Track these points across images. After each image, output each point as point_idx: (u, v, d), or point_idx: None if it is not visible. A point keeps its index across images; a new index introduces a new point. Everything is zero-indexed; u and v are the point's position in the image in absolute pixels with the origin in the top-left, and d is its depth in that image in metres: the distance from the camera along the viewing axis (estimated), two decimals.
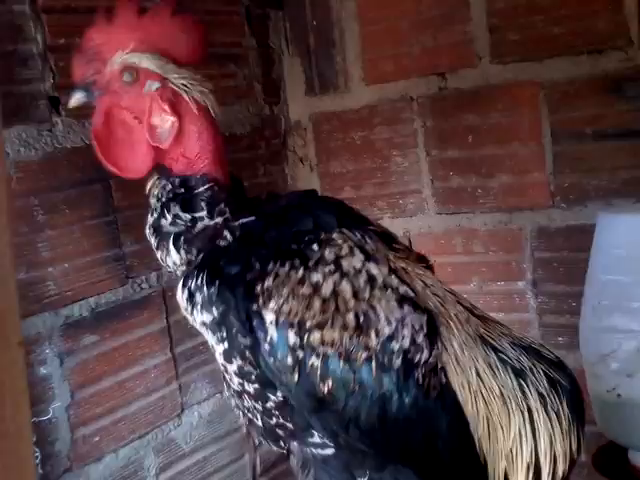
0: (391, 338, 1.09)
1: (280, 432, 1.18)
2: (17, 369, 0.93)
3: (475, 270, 1.92)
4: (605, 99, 1.70)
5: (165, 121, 1.15)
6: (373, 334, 1.08)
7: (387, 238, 1.26)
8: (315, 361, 1.07)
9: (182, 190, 1.16)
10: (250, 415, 1.21)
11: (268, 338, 1.07)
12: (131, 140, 1.17)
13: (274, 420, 1.16)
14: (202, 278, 1.12)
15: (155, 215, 1.18)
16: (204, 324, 1.14)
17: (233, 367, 1.13)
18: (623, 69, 1.67)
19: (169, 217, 1.15)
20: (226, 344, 1.12)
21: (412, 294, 1.14)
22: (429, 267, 1.31)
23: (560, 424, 1.20)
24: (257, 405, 1.16)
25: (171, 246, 1.16)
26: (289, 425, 1.16)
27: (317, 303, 1.08)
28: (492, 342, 1.22)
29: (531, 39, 1.76)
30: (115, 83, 1.15)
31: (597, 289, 1.52)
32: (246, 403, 1.19)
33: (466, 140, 1.88)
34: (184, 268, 1.16)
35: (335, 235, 1.15)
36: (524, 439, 1.17)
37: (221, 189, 1.17)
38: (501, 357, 1.21)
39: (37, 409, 1.40)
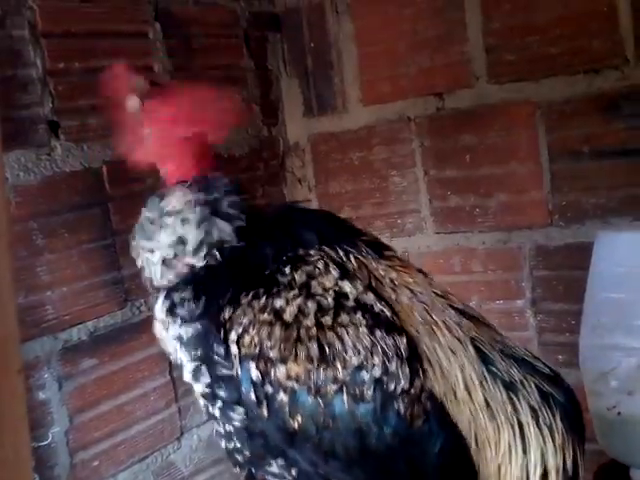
0: (360, 368, 1.04)
1: (238, 457, 1.15)
2: (17, 396, 0.93)
3: (474, 289, 1.92)
4: (602, 118, 1.70)
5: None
6: (340, 365, 1.04)
7: (378, 247, 1.24)
8: (283, 397, 1.04)
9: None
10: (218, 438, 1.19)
11: (234, 371, 1.07)
12: None
13: (232, 444, 1.14)
14: (188, 293, 1.12)
15: (143, 229, 1.22)
16: (179, 338, 1.13)
17: (199, 387, 1.12)
18: (619, 88, 1.68)
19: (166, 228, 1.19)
20: (197, 363, 1.11)
21: (388, 313, 1.09)
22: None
23: (553, 439, 1.16)
24: (219, 428, 1.15)
25: (158, 260, 1.18)
26: (246, 452, 1.13)
27: (278, 331, 1.05)
28: (482, 349, 1.17)
29: (527, 59, 1.77)
30: None
31: (596, 307, 1.52)
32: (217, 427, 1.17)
33: (464, 160, 1.89)
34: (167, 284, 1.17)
35: (313, 252, 1.13)
36: (514, 454, 1.14)
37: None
38: (491, 369, 1.16)
39: (36, 434, 1.40)
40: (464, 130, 1.88)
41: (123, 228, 1.58)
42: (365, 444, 1.05)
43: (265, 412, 1.05)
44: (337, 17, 2.02)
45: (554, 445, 1.15)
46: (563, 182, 1.77)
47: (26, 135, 1.43)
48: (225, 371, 1.08)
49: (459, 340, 1.15)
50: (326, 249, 1.15)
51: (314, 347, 1.04)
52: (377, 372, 1.04)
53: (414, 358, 1.08)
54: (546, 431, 1.15)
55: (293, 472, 1.11)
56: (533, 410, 1.15)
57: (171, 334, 1.14)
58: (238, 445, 1.13)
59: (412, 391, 1.06)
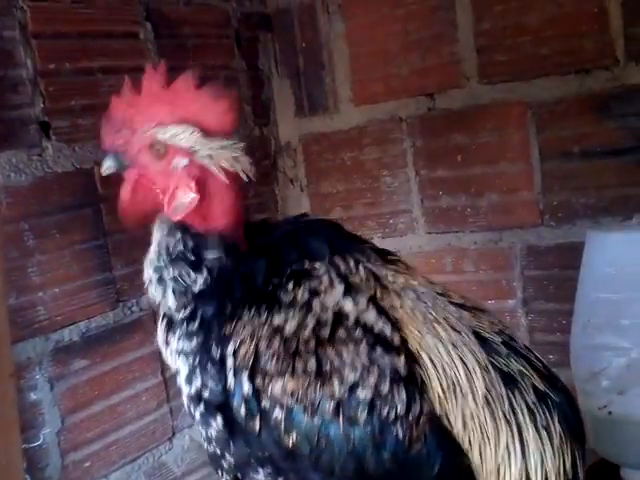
0: (356, 386, 1.03)
1: (223, 463, 1.14)
2: (8, 401, 0.92)
3: (466, 289, 1.92)
4: (592, 118, 1.71)
5: (186, 197, 1.12)
6: (336, 381, 1.03)
7: (383, 253, 1.24)
8: (279, 413, 1.03)
9: (192, 257, 1.13)
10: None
11: (228, 384, 1.06)
12: (147, 200, 1.15)
13: (212, 449, 1.14)
14: (188, 311, 1.12)
15: (162, 263, 1.14)
16: (179, 351, 1.13)
17: (188, 389, 1.12)
18: (610, 88, 1.69)
19: (175, 272, 1.13)
20: (192, 369, 1.12)
21: (388, 332, 1.08)
22: None
23: (551, 441, 1.15)
24: (201, 430, 1.14)
25: (169, 293, 1.14)
26: (230, 459, 1.12)
27: (276, 345, 1.04)
28: (483, 335, 1.17)
29: (518, 59, 1.78)
30: (144, 155, 1.12)
31: (587, 307, 1.52)
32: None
33: (455, 160, 1.89)
34: (175, 312, 1.15)
35: (318, 265, 1.13)
36: (512, 456, 1.13)
37: (229, 249, 1.14)
38: (490, 358, 1.15)
39: (27, 435, 1.39)
40: (455, 130, 1.88)
41: (115, 229, 1.58)
42: (363, 467, 1.04)
43: (256, 427, 1.05)
44: (328, 17, 2.02)
45: (552, 447, 1.14)
46: (554, 182, 1.78)
47: (17, 136, 1.43)
48: (212, 383, 1.08)
49: (460, 332, 1.15)
50: (336, 259, 1.15)
51: (312, 361, 1.03)
52: (370, 394, 1.03)
53: (412, 381, 1.07)
54: (544, 434, 1.14)
55: None
56: (530, 410, 1.14)
57: (172, 349, 1.14)
58: (218, 452, 1.13)
59: (410, 416, 1.04)
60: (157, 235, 1.16)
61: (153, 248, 1.16)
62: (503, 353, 1.17)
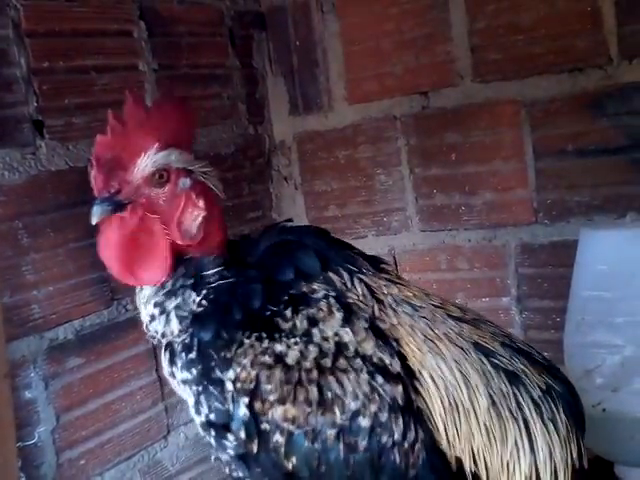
0: (358, 414, 1.05)
1: None
2: (3, 400, 0.91)
3: (460, 286, 1.93)
4: (586, 116, 1.72)
5: (196, 216, 1.12)
6: (338, 410, 1.05)
7: (374, 261, 1.25)
8: (279, 438, 1.05)
9: (192, 280, 1.13)
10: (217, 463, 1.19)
11: (228, 407, 1.07)
12: (151, 247, 1.12)
13: (235, 474, 1.14)
14: (187, 337, 1.12)
15: (162, 298, 1.14)
16: (184, 382, 1.13)
17: (199, 419, 1.12)
18: (603, 87, 1.69)
19: (178, 300, 1.13)
20: (197, 397, 1.11)
21: (387, 360, 1.09)
22: None
23: (558, 432, 1.16)
24: (219, 455, 1.14)
25: (173, 319, 1.13)
26: None
27: (278, 374, 1.05)
28: (486, 347, 1.18)
29: (512, 58, 1.78)
30: (145, 188, 1.10)
31: (580, 305, 1.53)
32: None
33: (449, 158, 1.90)
34: (176, 338, 1.14)
35: (316, 286, 1.13)
36: (521, 452, 1.15)
37: (225, 267, 1.15)
38: (494, 362, 1.17)
39: (22, 433, 1.39)
40: (449, 129, 1.88)
41: None
42: None
43: (255, 448, 1.06)
44: (323, 16, 2.02)
45: (559, 439, 1.16)
46: (548, 180, 1.78)
47: (11, 134, 1.43)
48: (218, 404, 1.08)
49: (462, 349, 1.16)
50: (330, 275, 1.15)
51: (314, 390, 1.05)
52: (371, 422, 1.05)
53: (409, 408, 1.09)
54: (551, 426, 1.16)
55: None
56: (536, 404, 1.16)
57: (178, 380, 1.14)
58: (240, 475, 1.13)
59: (405, 443, 1.07)
60: None
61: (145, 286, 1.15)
62: (506, 355, 1.18)
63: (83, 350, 1.53)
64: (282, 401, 1.05)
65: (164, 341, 1.16)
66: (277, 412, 1.05)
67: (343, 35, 2.01)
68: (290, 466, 1.06)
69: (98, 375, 1.56)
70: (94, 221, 1.09)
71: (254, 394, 1.06)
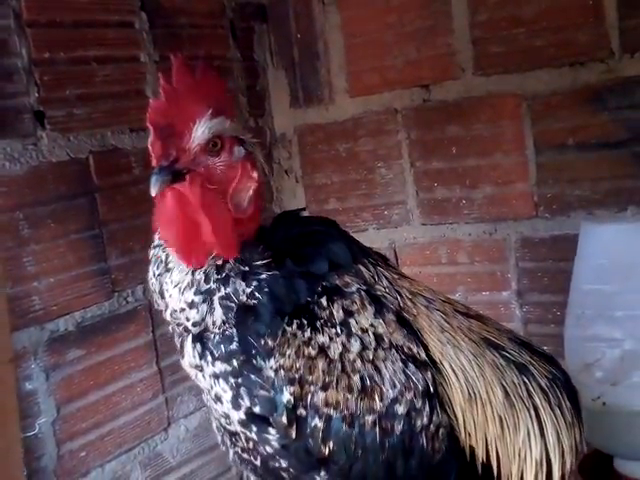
0: (395, 401, 1.08)
1: (284, 474, 1.15)
2: (7, 386, 0.92)
3: (460, 280, 1.93)
4: (587, 110, 1.72)
5: (249, 188, 1.08)
6: (377, 397, 1.08)
7: (380, 255, 1.26)
8: (318, 422, 1.06)
9: (246, 269, 1.08)
10: (246, 455, 1.18)
11: (271, 394, 1.07)
12: (218, 221, 1.05)
13: (277, 464, 1.14)
14: (228, 330, 1.09)
15: (212, 285, 1.07)
16: (217, 375, 1.10)
17: (237, 415, 1.11)
18: (605, 80, 1.69)
19: (229, 289, 1.07)
20: (236, 390, 1.09)
21: (415, 349, 1.13)
22: None
23: (564, 418, 1.21)
24: (259, 448, 1.13)
25: (217, 305, 1.07)
26: (292, 470, 1.13)
27: (321, 364, 1.06)
28: (495, 342, 1.23)
29: (514, 51, 1.78)
30: (202, 157, 1.04)
31: (581, 298, 1.53)
32: (243, 444, 1.17)
33: (450, 151, 1.89)
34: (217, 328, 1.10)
35: (348, 278, 1.13)
36: (532, 438, 1.19)
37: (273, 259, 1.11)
38: (505, 356, 1.21)
39: (23, 424, 1.39)
40: (450, 122, 1.88)
41: (110, 218, 1.58)
42: (394, 474, 1.09)
43: (293, 434, 1.07)
44: (324, 8, 2.02)
45: (566, 424, 1.21)
46: (548, 174, 1.78)
47: (12, 125, 1.42)
48: (263, 392, 1.08)
49: (475, 342, 1.20)
50: (360, 268, 1.16)
51: (355, 378, 1.07)
52: (407, 408, 1.09)
53: (436, 393, 1.13)
54: (558, 412, 1.21)
55: None
56: (544, 392, 1.21)
57: (208, 372, 1.11)
58: (284, 465, 1.13)
59: (431, 426, 1.11)
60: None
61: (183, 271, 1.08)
62: (514, 348, 1.24)
63: (84, 342, 1.53)
64: (325, 387, 1.06)
65: (194, 330, 1.09)
66: (319, 396, 1.06)
67: (344, 27, 2.00)
68: (327, 451, 1.07)
69: (99, 367, 1.56)
70: (154, 192, 1.01)
71: (297, 381, 1.06)
